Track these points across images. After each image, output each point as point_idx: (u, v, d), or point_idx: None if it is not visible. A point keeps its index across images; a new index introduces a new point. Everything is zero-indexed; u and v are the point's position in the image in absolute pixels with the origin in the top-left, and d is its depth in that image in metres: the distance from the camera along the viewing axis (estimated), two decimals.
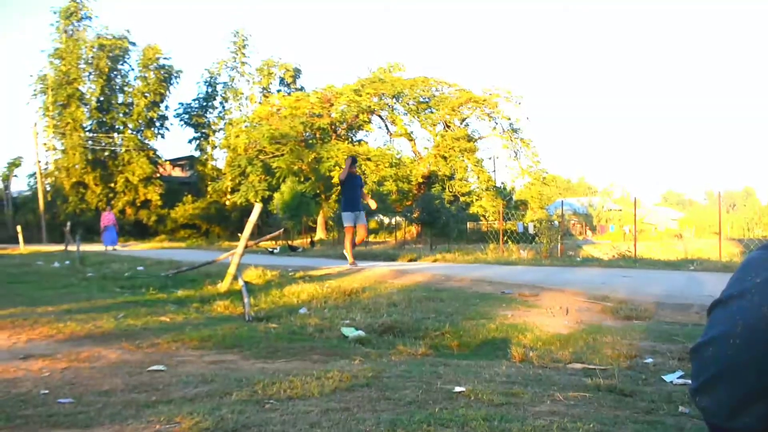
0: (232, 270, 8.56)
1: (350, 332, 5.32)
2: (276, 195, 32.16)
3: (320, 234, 38.31)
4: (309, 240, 30.83)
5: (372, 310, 6.49)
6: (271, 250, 22.95)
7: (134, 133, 47.38)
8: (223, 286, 8.50)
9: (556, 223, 27.24)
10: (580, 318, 6.09)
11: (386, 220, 45.93)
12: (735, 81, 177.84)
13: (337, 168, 35.84)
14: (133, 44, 47.36)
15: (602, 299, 7.03)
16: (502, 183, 45.81)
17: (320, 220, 39.28)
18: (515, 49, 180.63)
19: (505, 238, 19.90)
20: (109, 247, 25.02)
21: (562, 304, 6.81)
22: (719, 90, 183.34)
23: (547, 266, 12.70)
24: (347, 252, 11.88)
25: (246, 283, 8.03)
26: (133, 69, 47.93)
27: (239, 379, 3.49)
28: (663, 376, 3.88)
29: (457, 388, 3.25)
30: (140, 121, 47.27)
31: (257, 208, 8.71)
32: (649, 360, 4.34)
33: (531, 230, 23.00)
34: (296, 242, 28.46)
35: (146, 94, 46.87)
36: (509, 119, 40.81)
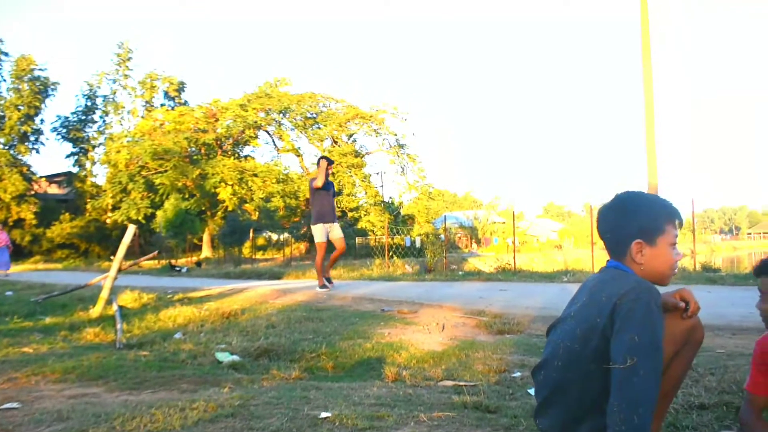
0: (104, 294, 8.22)
1: (224, 357, 5.21)
2: (159, 213, 31.22)
3: (206, 253, 37.43)
4: (195, 260, 30.05)
5: (250, 332, 6.38)
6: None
7: (6, 148, 44.79)
8: (94, 311, 8.13)
9: (442, 236, 27.81)
10: (456, 334, 6.22)
11: (274, 237, 45.47)
12: (610, 99, 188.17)
13: (222, 185, 35.18)
14: (6, 54, 44.86)
15: (478, 314, 7.20)
16: (390, 198, 46.43)
17: (206, 238, 38.40)
18: (402, 66, 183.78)
19: (392, 253, 20.10)
20: (1, 272, 23.15)
21: (440, 320, 6.93)
22: (596, 107, 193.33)
23: (430, 281, 12.91)
24: (318, 272, 10.69)
25: (120, 307, 7.74)
26: (5, 80, 45.38)
27: (98, 415, 3.34)
28: (529, 390, 4.01)
29: (324, 414, 3.24)
30: (13, 136, 44.75)
31: (131, 230, 8.41)
32: (517, 374, 4.48)
33: (418, 244, 23.35)
34: (180, 262, 27.68)
35: (20, 107, 44.45)
36: (396, 135, 41.51)
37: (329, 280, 10.76)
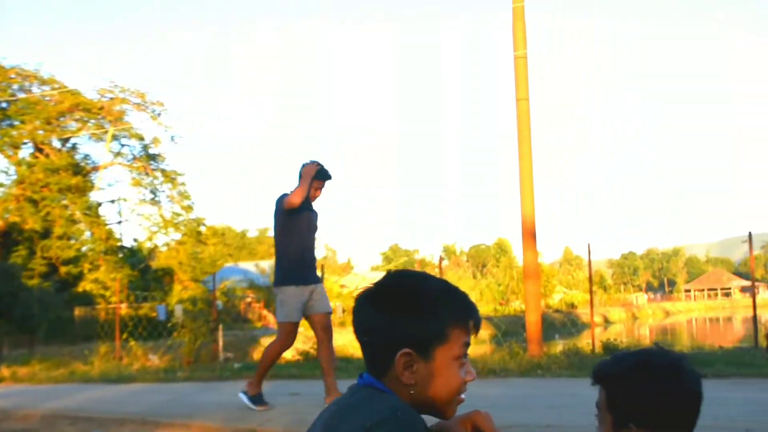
0: None
1: None
2: None
3: None
4: None
5: None
6: None
7: None
8: None
9: (220, 304, 27.66)
10: None
11: None
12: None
13: None
14: None
15: None
16: (135, 241, 45.60)
17: None
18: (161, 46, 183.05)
19: (127, 334, 19.73)
20: None
21: None
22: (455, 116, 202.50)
23: (184, 381, 12.91)
24: (261, 370, 9.05)
25: None
26: None
27: None
28: None
29: None
30: None
31: None
32: None
33: (179, 317, 23.15)
34: None
35: None
36: (143, 139, 41.02)
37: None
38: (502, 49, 16.20)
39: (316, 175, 8.85)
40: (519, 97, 15.37)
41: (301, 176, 8.82)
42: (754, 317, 16.96)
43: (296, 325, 8.85)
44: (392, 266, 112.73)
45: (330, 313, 9.11)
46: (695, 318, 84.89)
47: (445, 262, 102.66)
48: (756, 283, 28.13)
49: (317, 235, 9.40)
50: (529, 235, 14.77)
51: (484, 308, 63.20)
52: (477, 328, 2.17)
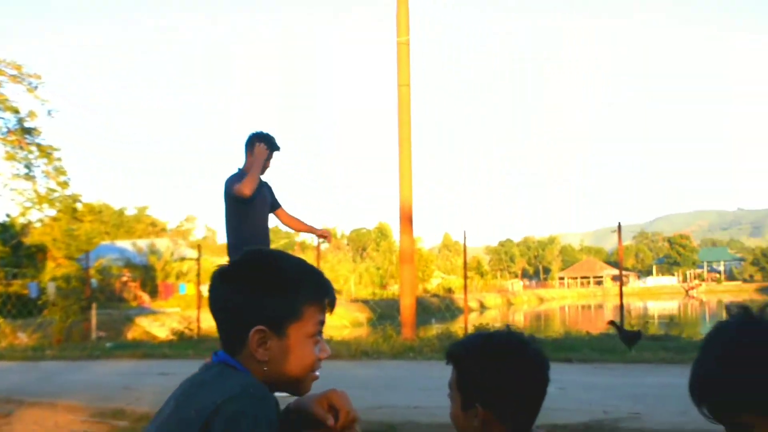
0: None
1: None
2: None
3: None
4: None
5: None
6: None
7: None
8: None
9: (94, 282, 27.24)
10: None
11: None
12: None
13: None
14: None
15: (114, 415, 7.16)
16: (7, 216, 44.63)
17: None
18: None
19: None
20: None
21: (48, 429, 6.75)
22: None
23: (52, 360, 12.68)
24: None
25: None
26: None
27: None
28: None
29: None
30: None
31: None
32: None
33: (52, 295, 22.73)
34: None
35: None
36: (18, 112, 39.99)
37: None
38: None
39: (257, 145, 8.57)
40: (400, 83, 15.58)
41: (249, 150, 8.61)
42: (621, 305, 17.53)
43: None
44: (272, 248, 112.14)
45: None
46: (568, 305, 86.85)
47: (324, 245, 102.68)
48: (625, 273, 28.77)
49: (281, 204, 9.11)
50: (407, 219, 14.94)
51: (362, 292, 63.60)
52: (332, 307, 2.23)
